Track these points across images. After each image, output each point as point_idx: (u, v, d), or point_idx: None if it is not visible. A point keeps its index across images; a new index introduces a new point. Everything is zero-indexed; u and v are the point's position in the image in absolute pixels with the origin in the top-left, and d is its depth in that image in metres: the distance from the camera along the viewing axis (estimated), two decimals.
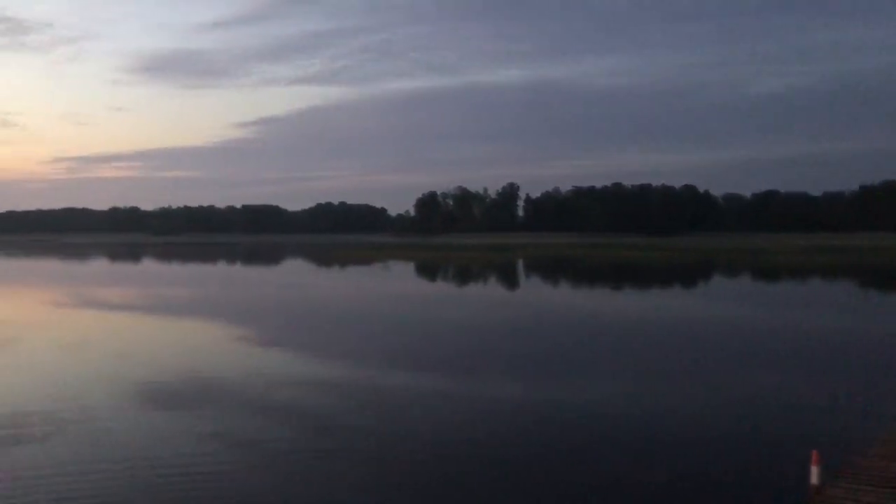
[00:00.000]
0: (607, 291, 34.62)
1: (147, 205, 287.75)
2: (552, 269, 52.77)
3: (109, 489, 7.37)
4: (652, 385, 12.43)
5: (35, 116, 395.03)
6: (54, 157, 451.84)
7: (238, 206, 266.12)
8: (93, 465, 8.14)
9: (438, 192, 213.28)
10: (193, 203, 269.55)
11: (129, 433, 9.38)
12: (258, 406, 10.83)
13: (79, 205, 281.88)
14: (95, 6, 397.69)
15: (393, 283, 41.56)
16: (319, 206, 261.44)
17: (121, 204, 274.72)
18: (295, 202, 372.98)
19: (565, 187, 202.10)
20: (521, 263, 60.57)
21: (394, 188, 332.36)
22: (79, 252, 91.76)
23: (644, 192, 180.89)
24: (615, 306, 27.13)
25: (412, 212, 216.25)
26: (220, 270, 54.77)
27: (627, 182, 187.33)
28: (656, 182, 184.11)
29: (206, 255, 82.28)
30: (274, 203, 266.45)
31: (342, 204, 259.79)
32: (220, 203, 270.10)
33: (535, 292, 33.97)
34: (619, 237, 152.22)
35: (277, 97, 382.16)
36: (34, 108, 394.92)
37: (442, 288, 38.60)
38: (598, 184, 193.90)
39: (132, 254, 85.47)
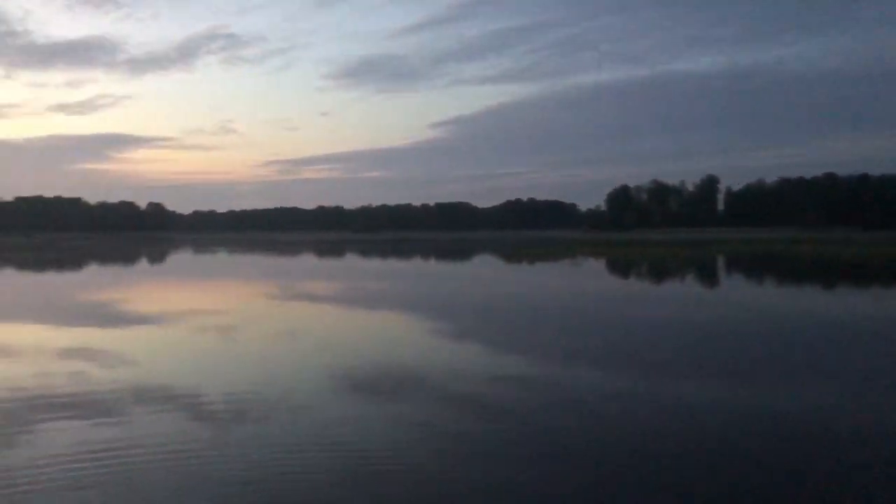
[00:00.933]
0: (819, 291, 31.78)
1: (349, 203, 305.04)
2: (757, 266, 49.36)
3: (319, 466, 7.68)
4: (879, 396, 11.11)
5: (250, 123, 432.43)
6: (267, 160, 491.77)
7: (432, 204, 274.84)
8: (304, 444, 8.54)
9: (631, 186, 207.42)
10: (391, 202, 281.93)
11: (333, 417, 9.77)
12: (451, 398, 10.89)
13: (288, 204, 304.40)
14: (302, 19, 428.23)
15: (582, 279, 40.85)
16: (509, 202, 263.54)
17: (326, 203, 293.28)
18: (485, 199, 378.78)
19: (770, 179, 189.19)
20: (721, 260, 57.24)
21: (584, 183, 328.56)
22: (289, 248, 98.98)
23: (861, 182, 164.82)
24: (829, 307, 24.78)
25: (603, 206, 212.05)
26: (416, 266, 56.67)
27: (842, 172, 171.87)
28: (874, 172, 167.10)
29: (402, 251, 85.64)
30: (465, 200, 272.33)
31: (531, 200, 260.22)
32: (416, 201, 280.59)
33: (738, 291, 31.87)
34: (832, 232, 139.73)
35: (469, 96, 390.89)
36: (249, 115, 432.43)
37: (634, 285, 37.34)
38: (808, 174, 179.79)
39: (336, 250, 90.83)
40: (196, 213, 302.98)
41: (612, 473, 7.65)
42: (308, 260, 68.07)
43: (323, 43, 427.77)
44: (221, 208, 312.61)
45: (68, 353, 14.93)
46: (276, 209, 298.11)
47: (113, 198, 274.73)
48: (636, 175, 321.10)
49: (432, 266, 56.82)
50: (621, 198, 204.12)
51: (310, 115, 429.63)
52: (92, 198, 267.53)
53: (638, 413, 10.10)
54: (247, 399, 10.84)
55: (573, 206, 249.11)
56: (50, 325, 19.81)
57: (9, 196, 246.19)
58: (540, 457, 8.14)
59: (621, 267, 50.59)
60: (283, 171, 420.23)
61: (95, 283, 40.70)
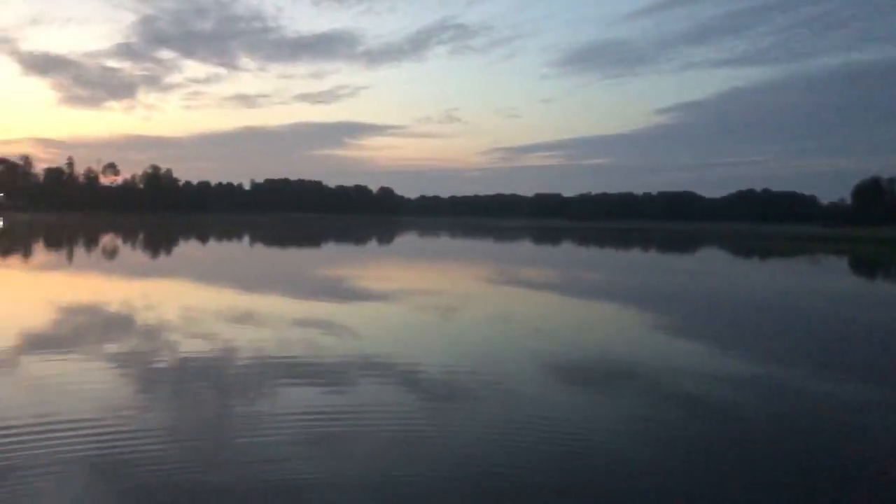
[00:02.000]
0: None
1: (568, 191, 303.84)
2: None
3: (532, 451, 7.68)
4: None
5: (474, 111, 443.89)
6: (489, 147, 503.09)
7: (654, 192, 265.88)
8: (516, 427, 8.59)
9: (883, 178, 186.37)
10: (611, 190, 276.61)
11: (547, 403, 9.74)
12: (668, 394, 10.43)
13: (508, 191, 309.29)
14: (529, 7, 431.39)
15: (820, 278, 37.43)
16: (740, 192, 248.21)
17: (545, 190, 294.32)
18: (713, 189, 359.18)
19: None
20: None
21: (825, 174, 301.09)
22: (507, 234, 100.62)
23: None
24: None
25: (848, 200, 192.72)
26: (635, 257, 55.17)
27: None
28: None
29: (621, 240, 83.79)
30: (691, 189, 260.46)
31: (765, 191, 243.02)
32: (637, 189, 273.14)
33: None
34: None
35: (698, 81, 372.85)
36: (474, 104, 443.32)
37: (879, 287, 33.55)
38: None
39: (553, 237, 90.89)
40: (422, 198, 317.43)
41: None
42: (525, 246, 68.71)
43: (548, 31, 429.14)
44: (445, 194, 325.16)
45: (304, 323, 16.22)
46: (496, 196, 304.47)
47: (348, 181, 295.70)
48: (888, 166, 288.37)
49: (653, 258, 54.98)
50: (870, 190, 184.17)
51: (532, 103, 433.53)
52: (330, 181, 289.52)
53: (880, 430, 9.03)
54: (463, 377, 11.12)
55: (812, 198, 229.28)
56: (290, 297, 21.65)
57: (260, 178, 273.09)
58: (771, 472, 7.53)
59: (868, 266, 45.70)
60: (505, 159, 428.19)
61: (330, 259, 44.01)
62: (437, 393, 10.15)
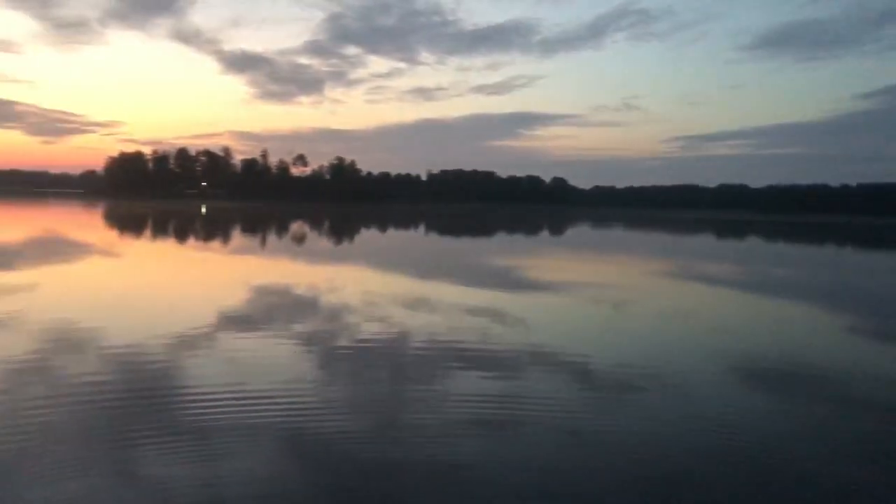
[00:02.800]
0: None
1: (755, 182, 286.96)
2: None
3: (705, 452, 7.41)
4: None
5: (654, 99, 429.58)
6: (670, 136, 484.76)
7: (853, 184, 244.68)
8: (690, 427, 8.30)
9: None
10: (803, 181, 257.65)
11: (724, 403, 9.32)
12: (865, 402, 9.62)
13: (689, 181, 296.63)
14: None
15: None
16: None
17: (729, 181, 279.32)
18: None
19: None
20: None
21: None
22: (687, 227, 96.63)
23: None
24: None
25: None
26: (831, 254, 51.16)
27: None
28: None
29: (814, 235, 78.00)
30: None
31: None
32: (834, 181, 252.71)
33: None
34: None
35: None
36: (653, 91, 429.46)
37: None
38: None
39: (738, 231, 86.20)
40: (596, 189, 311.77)
41: None
42: (707, 240, 65.68)
43: (737, 13, 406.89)
44: (620, 184, 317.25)
45: (475, 311, 16.51)
46: (675, 186, 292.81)
47: (521, 172, 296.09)
48: None
49: (853, 256, 50.72)
50: None
51: (718, 89, 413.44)
52: (503, 172, 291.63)
53: None
54: (634, 373, 10.88)
55: None
56: (462, 285, 22.10)
57: (436, 169, 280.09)
58: None
59: None
60: (687, 148, 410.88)
61: (501, 249, 44.40)
62: (607, 387, 10.01)
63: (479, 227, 76.79)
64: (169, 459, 6.67)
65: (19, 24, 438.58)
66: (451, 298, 18.67)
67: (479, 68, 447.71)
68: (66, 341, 11.55)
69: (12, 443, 6.94)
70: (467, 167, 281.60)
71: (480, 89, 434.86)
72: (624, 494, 6.36)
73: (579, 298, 20.07)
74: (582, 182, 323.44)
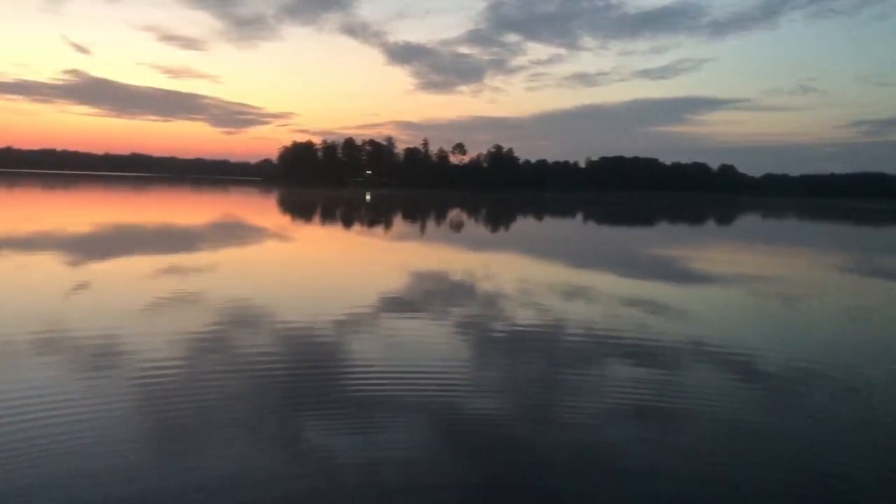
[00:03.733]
0: None
1: None
2: None
3: (871, 458, 6.88)
4: None
5: (833, 81, 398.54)
6: (851, 120, 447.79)
7: None
8: (849, 423, 7.72)
9: None
10: None
11: (886, 403, 8.59)
12: None
13: (873, 169, 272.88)
14: None
15: None
16: None
17: None
18: None
19: None
20: None
21: None
22: (870, 218, 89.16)
23: None
24: None
25: None
26: None
27: None
28: None
29: None
30: None
31: None
32: None
33: None
34: None
35: None
36: (833, 72, 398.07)
37: None
38: None
39: None
40: (767, 177, 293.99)
41: None
42: (891, 232, 60.28)
43: None
44: (795, 172, 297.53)
45: (633, 302, 16.12)
46: (856, 174, 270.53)
47: (686, 159, 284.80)
48: None
49: None
50: None
51: None
52: (666, 158, 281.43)
53: None
54: (804, 371, 10.22)
55: None
56: (619, 275, 21.63)
57: (595, 156, 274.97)
58: None
59: None
60: (870, 133, 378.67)
61: (663, 239, 42.97)
62: (774, 384, 9.47)
63: (640, 215, 74.69)
64: (330, 428, 7.05)
65: (204, 23, 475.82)
66: (610, 288, 18.34)
67: (643, 52, 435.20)
68: (242, 317, 12.44)
69: (192, 407, 7.59)
70: (628, 154, 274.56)
71: (644, 74, 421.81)
72: (778, 491, 6.02)
73: (747, 292, 19.06)
74: (752, 169, 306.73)
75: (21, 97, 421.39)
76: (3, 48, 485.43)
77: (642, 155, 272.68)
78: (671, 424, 7.69)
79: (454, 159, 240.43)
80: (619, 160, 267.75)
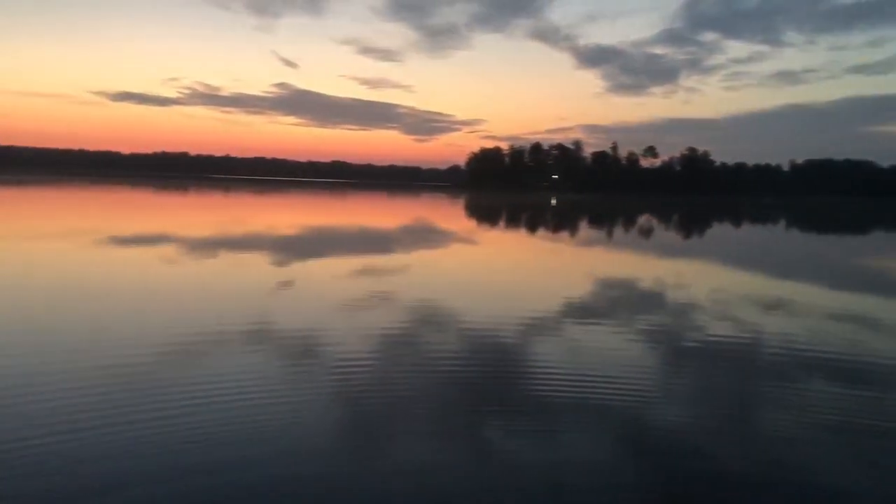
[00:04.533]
0: None
1: None
2: None
3: None
4: None
5: None
6: None
7: None
8: None
9: None
10: None
11: None
12: None
13: None
14: None
15: None
16: None
17: None
18: None
19: None
20: None
21: None
22: None
23: None
24: None
25: None
26: None
27: None
28: None
29: None
30: None
31: None
32: None
33: None
34: None
35: None
36: None
37: None
38: None
39: None
40: None
41: None
42: None
43: None
44: None
45: (842, 317, 14.88)
46: None
47: None
48: None
49: None
50: None
51: None
52: (884, 161, 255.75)
53: None
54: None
55: None
56: (827, 288, 20.03)
57: (800, 159, 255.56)
58: None
59: None
60: None
61: (878, 250, 39.22)
62: None
63: (850, 222, 68.55)
64: (512, 429, 7.14)
65: (400, 35, 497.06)
66: (816, 301, 17.05)
67: (856, 46, 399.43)
68: (429, 317, 12.89)
69: (381, 401, 7.98)
70: (838, 156, 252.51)
71: (858, 69, 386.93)
72: None
73: None
74: None
75: (237, 109, 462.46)
76: (222, 66, 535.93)
77: (854, 157, 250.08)
78: (875, 446, 7.03)
79: (644, 163, 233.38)
80: (828, 163, 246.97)
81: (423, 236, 34.57)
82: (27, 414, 7.07)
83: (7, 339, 10.23)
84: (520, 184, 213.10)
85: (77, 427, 6.76)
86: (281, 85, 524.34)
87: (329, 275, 18.55)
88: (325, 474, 5.97)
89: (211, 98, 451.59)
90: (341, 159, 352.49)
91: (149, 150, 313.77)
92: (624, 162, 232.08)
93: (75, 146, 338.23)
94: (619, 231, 45.50)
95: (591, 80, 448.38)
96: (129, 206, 53.82)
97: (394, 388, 8.43)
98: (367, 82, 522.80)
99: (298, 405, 7.68)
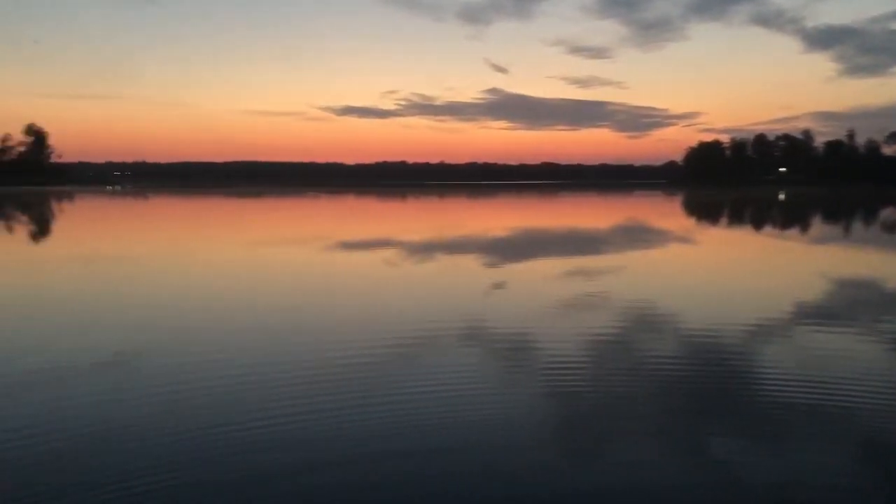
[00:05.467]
0: None
1: None
2: None
3: None
4: None
5: None
6: None
7: None
8: None
9: None
10: None
11: None
12: None
13: None
14: None
15: None
16: None
17: None
18: None
19: None
20: None
21: None
22: None
23: None
24: None
25: None
26: None
27: None
28: None
29: None
30: None
31: None
32: None
33: None
34: None
35: None
36: None
37: None
38: None
39: None
40: None
41: None
42: None
43: None
44: None
45: None
46: None
47: None
48: None
49: None
50: None
51: None
52: None
53: None
54: None
55: None
56: None
57: None
58: None
59: None
60: None
61: None
62: None
63: None
64: (737, 440, 6.75)
65: (611, 31, 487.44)
66: None
67: None
68: (645, 319, 12.54)
69: (595, 403, 7.88)
70: None
71: None
72: None
73: None
74: None
75: (450, 117, 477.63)
76: (436, 76, 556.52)
77: None
78: None
79: (887, 150, 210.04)
80: None
81: (638, 236, 33.69)
82: (274, 396, 7.81)
83: (250, 332, 11.38)
84: (742, 178, 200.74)
85: (316, 408, 7.36)
86: (491, 90, 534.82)
87: (541, 276, 18.66)
88: (539, 466, 6.00)
89: (426, 108, 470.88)
90: (551, 160, 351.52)
91: (370, 161, 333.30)
92: (862, 150, 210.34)
93: (306, 159, 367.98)
94: (858, 226, 41.37)
95: (821, 64, 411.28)
96: (355, 213, 57.71)
97: (607, 392, 8.29)
98: (576, 81, 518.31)
99: (513, 401, 7.81)
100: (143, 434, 6.77)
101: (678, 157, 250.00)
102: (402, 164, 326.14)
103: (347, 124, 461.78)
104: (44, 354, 10.01)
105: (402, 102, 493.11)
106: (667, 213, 58.37)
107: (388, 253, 24.07)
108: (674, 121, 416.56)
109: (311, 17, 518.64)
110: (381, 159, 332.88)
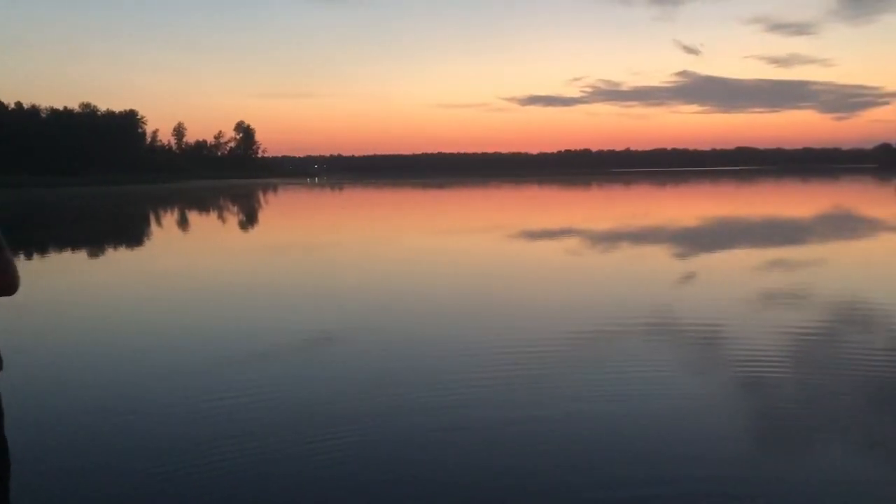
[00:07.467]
0: None
1: None
2: None
3: None
4: None
5: None
6: None
7: None
8: None
9: None
10: None
11: None
12: None
13: None
14: None
15: None
16: None
17: None
18: None
19: None
20: None
21: None
22: None
23: None
24: None
25: None
26: None
27: None
28: None
29: None
30: None
31: None
32: None
33: None
34: None
35: None
36: None
37: None
38: None
39: None
40: None
41: None
42: None
43: None
44: None
45: None
46: None
47: None
48: None
49: None
50: None
51: None
52: None
53: None
54: None
55: None
56: None
57: None
58: None
59: None
60: None
61: None
62: None
63: None
64: None
65: (815, 5, 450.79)
66: None
67: None
68: (850, 313, 11.81)
69: (796, 405, 7.62)
70: None
71: None
72: None
73: None
74: None
75: (637, 103, 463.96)
76: (622, 61, 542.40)
77: None
78: None
79: None
80: None
81: (843, 224, 31.28)
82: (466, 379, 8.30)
83: (434, 315, 12.03)
84: None
85: (492, 385, 7.74)
86: (682, 73, 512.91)
87: (732, 267, 18.00)
88: (734, 465, 5.97)
89: (612, 94, 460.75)
90: (747, 145, 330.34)
91: (554, 150, 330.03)
92: None
93: (490, 150, 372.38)
94: None
95: None
96: (538, 203, 57.95)
97: (809, 392, 7.91)
98: (775, 61, 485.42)
99: (709, 396, 7.74)
100: (353, 405, 7.48)
101: (893, 139, 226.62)
102: (587, 152, 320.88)
103: (531, 114, 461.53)
104: (284, 330, 11.21)
105: (588, 89, 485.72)
106: (878, 200, 53.41)
107: (572, 242, 24.14)
108: (888, 99, 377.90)
109: (496, 9, 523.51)
110: (564, 148, 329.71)
